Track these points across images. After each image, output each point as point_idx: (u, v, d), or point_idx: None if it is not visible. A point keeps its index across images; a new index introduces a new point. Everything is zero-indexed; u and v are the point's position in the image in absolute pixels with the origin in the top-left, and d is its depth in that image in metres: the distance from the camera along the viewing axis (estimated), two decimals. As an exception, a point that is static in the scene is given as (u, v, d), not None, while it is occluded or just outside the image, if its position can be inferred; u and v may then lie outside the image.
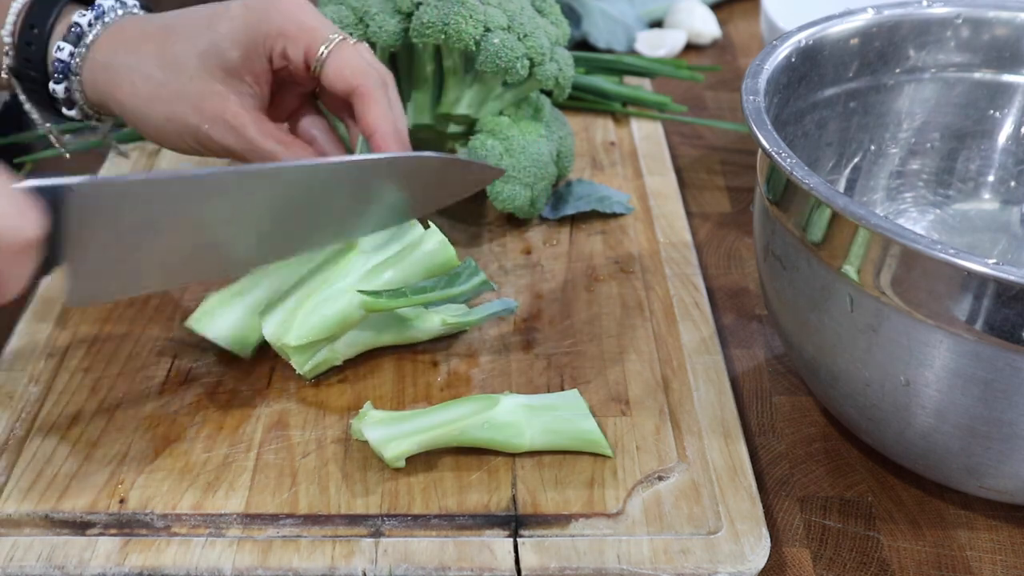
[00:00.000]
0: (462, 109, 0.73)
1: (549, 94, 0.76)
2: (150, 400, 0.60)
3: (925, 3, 0.66)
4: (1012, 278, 0.43)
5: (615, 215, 0.76)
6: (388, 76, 0.62)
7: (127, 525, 0.53)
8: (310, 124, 0.66)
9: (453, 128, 0.76)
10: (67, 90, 0.63)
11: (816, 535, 0.56)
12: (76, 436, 0.57)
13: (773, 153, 0.52)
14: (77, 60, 0.62)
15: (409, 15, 0.72)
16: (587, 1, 1.02)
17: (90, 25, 0.62)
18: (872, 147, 0.69)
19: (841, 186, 0.69)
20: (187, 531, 0.52)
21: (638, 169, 0.81)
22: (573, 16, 1.01)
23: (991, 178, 0.70)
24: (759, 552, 0.51)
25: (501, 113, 0.74)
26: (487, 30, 0.70)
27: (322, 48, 0.60)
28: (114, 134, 0.85)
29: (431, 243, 0.61)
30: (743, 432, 0.58)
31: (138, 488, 0.54)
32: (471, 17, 0.69)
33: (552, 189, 0.76)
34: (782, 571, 0.54)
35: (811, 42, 0.62)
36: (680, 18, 1.05)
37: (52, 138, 0.69)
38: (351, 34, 0.71)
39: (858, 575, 0.54)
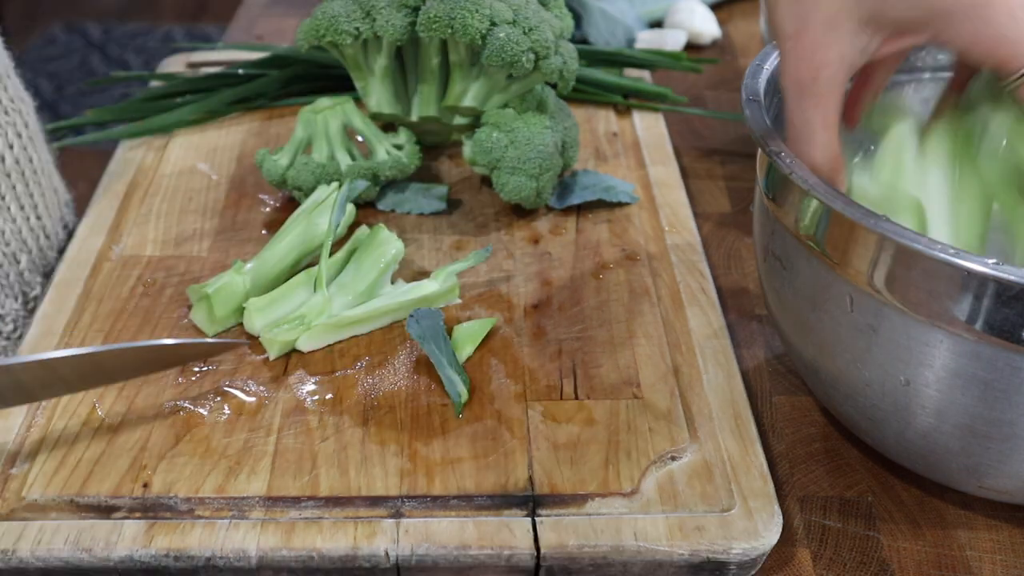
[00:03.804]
0: (468, 101, 0.74)
1: (554, 86, 0.77)
2: (168, 387, 0.60)
3: None
4: (1012, 278, 0.43)
5: (620, 204, 0.77)
6: None
7: (151, 509, 0.53)
8: None
9: (459, 120, 0.77)
10: None
11: (816, 535, 0.56)
12: (97, 423, 0.58)
13: (773, 153, 0.52)
14: None
15: (416, 9, 0.73)
16: (587, 1, 1.02)
17: None
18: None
19: (841, 182, 0.70)
20: (211, 514, 0.53)
21: (641, 159, 0.82)
22: (573, 17, 1.02)
23: (990, 176, 0.70)
24: (772, 529, 0.52)
25: (506, 105, 0.75)
26: (493, 24, 0.71)
27: None
28: (118, 130, 0.85)
29: (380, 238, 0.67)
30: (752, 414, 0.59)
31: (161, 473, 0.55)
32: (477, 11, 0.70)
33: (558, 179, 0.77)
34: (782, 571, 0.54)
35: (812, 38, 0.63)
36: (680, 18, 1.06)
37: None
38: (358, 28, 0.73)
39: (858, 575, 0.54)
